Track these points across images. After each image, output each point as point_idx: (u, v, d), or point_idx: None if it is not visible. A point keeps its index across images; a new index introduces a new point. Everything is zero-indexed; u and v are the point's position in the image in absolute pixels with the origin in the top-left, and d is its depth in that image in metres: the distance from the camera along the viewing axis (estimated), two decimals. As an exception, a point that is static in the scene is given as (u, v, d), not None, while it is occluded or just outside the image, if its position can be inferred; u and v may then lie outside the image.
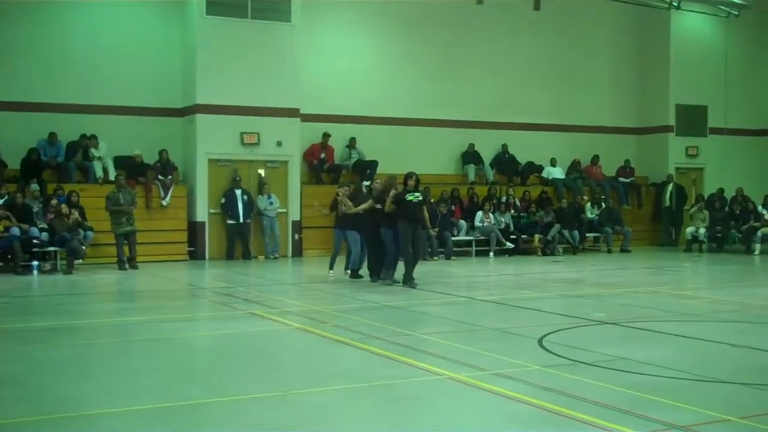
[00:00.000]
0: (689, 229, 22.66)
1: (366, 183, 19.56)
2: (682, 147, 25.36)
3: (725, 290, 14.22)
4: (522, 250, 21.33)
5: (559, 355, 8.03)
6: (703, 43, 25.45)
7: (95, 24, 19.62)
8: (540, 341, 8.74)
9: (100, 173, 18.91)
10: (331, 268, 15.85)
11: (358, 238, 15.01)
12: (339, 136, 21.42)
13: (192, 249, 19.50)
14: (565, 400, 6.31)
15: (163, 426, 5.85)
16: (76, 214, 16.80)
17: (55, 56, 19.14)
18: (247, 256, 19.52)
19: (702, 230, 22.39)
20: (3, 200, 16.82)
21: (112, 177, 18.94)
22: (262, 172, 20.24)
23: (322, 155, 21.10)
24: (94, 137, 18.97)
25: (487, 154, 23.41)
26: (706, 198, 23.58)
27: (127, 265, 17.02)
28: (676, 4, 23.07)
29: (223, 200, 19.51)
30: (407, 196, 13.76)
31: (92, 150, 18.97)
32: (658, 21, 24.85)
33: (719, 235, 22.44)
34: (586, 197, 23.37)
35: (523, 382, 6.87)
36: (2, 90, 18.66)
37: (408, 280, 13.80)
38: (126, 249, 17.16)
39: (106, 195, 17.33)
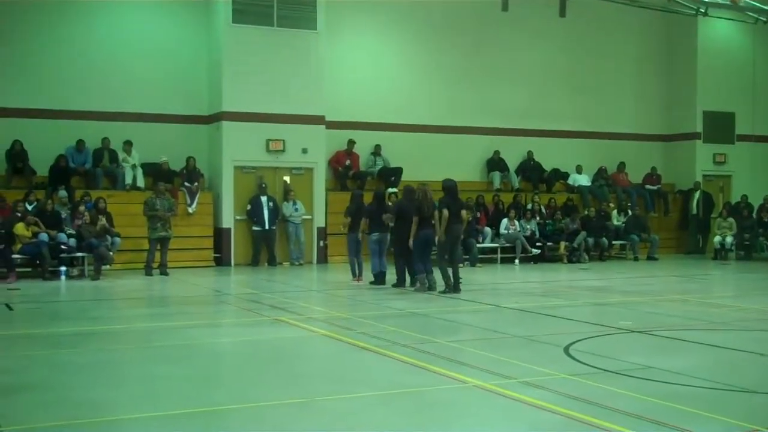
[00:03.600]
0: (716, 238, 22.47)
1: (391, 190, 19.60)
2: (710, 154, 25.17)
3: (753, 299, 14.04)
4: (547, 257, 21.24)
5: (585, 364, 7.97)
6: (731, 50, 25.26)
7: (122, 32, 19.79)
8: (566, 349, 8.68)
9: (129, 180, 19.07)
10: (360, 275, 15.61)
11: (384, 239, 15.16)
12: (364, 143, 21.46)
13: (218, 255, 19.60)
14: (592, 409, 6.26)
15: (189, 432, 5.87)
16: (103, 221, 16.94)
17: (82, 64, 19.34)
18: (272, 262, 19.58)
19: (729, 238, 22.19)
20: (32, 207, 17.00)
21: (139, 183, 19.11)
22: (287, 178, 20.31)
23: (348, 162, 21.15)
24: (129, 143, 19.17)
25: (513, 161, 23.36)
26: (732, 205, 23.38)
27: (153, 271, 17.13)
28: (703, 11, 22.87)
29: (248, 207, 19.58)
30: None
31: (127, 157, 19.15)
32: (685, 27, 24.69)
33: (747, 243, 22.23)
34: (612, 204, 23.24)
35: (550, 391, 6.83)
36: (31, 98, 18.87)
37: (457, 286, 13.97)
38: (158, 255, 17.31)
39: (144, 200, 17.47)
